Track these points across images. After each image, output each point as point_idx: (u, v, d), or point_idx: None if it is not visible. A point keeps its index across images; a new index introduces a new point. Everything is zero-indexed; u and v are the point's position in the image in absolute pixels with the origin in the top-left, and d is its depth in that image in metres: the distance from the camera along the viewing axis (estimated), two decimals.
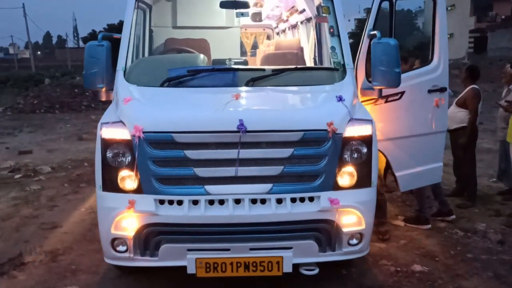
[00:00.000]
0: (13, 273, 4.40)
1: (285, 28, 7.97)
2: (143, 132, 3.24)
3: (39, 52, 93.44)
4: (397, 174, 4.74)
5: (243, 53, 9.04)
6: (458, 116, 6.10)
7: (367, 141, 3.46)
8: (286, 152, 3.32)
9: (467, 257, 4.71)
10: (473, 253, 4.78)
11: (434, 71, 4.75)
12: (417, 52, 23.89)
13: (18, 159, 9.58)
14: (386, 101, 4.54)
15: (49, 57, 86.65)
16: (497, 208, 6.12)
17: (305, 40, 6.41)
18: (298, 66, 4.37)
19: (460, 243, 5.07)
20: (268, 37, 9.24)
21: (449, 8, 45.28)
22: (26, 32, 53.91)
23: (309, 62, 5.66)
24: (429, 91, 4.72)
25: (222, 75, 4.00)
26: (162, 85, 3.83)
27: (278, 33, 8.77)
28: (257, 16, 7.61)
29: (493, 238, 5.16)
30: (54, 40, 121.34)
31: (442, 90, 4.77)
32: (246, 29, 9.07)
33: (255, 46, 9.51)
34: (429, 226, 5.46)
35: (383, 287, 4.09)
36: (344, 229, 3.43)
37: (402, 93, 4.55)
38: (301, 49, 5.95)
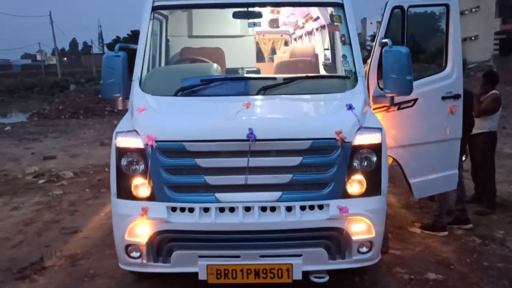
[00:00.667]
0: (34, 277, 4.54)
1: (302, 35, 8.02)
2: (156, 141, 3.33)
3: (65, 59, 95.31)
4: (410, 181, 4.72)
5: (261, 59, 9.13)
6: (477, 121, 6.03)
7: (377, 149, 3.47)
8: (295, 161, 3.36)
9: (483, 265, 4.66)
10: (490, 261, 4.73)
11: (448, 78, 4.72)
12: (440, 55, 23.55)
13: (42, 165, 9.86)
14: (399, 108, 4.53)
15: (75, 63, 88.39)
16: None
17: (320, 47, 6.45)
18: (309, 75, 4.41)
19: (476, 251, 5.01)
20: (286, 43, 9.30)
21: (473, 9, 44.54)
22: (53, 39, 55.36)
23: (323, 69, 5.70)
24: (443, 98, 4.69)
25: (234, 84, 4.07)
26: (176, 94, 3.93)
27: (295, 39, 8.82)
28: (274, 23, 7.68)
29: (511, 246, 5.10)
30: (80, 46, 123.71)
31: (456, 97, 4.73)
32: (264, 35, 9.15)
33: (273, 52, 9.59)
34: (446, 233, 5.42)
35: None
36: (354, 237, 3.45)
37: (415, 100, 4.54)
38: (316, 56, 5.99)
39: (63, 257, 4.99)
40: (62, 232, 5.77)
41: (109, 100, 4.05)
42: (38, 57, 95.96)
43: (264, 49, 9.64)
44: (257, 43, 9.15)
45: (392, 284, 4.27)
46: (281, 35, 9.26)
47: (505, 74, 23.68)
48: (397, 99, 4.30)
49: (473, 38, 43.62)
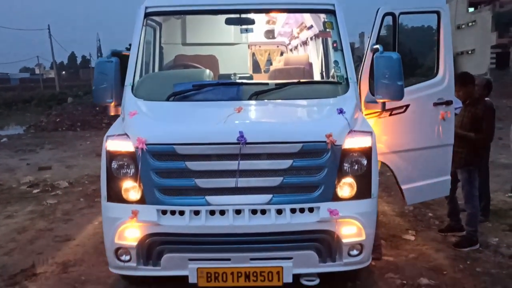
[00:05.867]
0: (25, 284, 4.51)
1: (297, 45, 8.08)
2: (146, 144, 3.34)
3: (63, 72, 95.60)
4: (403, 187, 4.73)
5: (257, 70, 9.18)
6: None
7: (367, 152, 3.49)
8: (285, 164, 3.37)
9: (477, 271, 4.63)
10: (483, 268, 4.70)
11: (440, 84, 4.76)
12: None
13: (38, 175, 9.83)
14: (391, 114, 4.56)
15: (74, 76, 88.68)
16: (511, 223, 6.01)
17: (315, 55, 6.50)
18: (301, 80, 4.44)
19: (470, 257, 4.99)
20: (282, 54, 9.36)
21: (470, 23, 44.97)
22: (51, 53, 55.50)
23: (318, 77, 5.73)
24: (435, 104, 4.72)
25: (227, 89, 4.09)
26: (168, 99, 3.95)
27: (291, 50, 8.88)
28: (270, 34, 7.76)
29: (505, 252, 5.08)
30: (79, 60, 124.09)
31: (448, 103, 4.76)
32: (260, 46, 9.21)
33: (270, 63, 9.64)
34: (478, 245, 5.26)
35: None
36: (344, 240, 3.45)
37: (407, 106, 4.57)
38: (310, 65, 6.03)
39: (55, 264, 4.95)
40: (55, 240, 5.74)
41: (107, 114, 4.07)
42: (37, 71, 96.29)
43: (261, 60, 9.70)
44: (253, 54, 9.23)
45: None
46: (277, 46, 9.32)
47: (502, 87, 23.87)
48: (389, 105, 4.33)
49: (470, 52, 43.98)
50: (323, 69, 5.64)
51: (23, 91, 49.05)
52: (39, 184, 8.92)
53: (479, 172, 5.61)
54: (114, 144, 3.48)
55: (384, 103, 4.19)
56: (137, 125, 3.53)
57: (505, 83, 30.66)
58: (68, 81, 70.98)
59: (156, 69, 5.34)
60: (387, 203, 7.07)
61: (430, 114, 4.73)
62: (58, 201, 7.63)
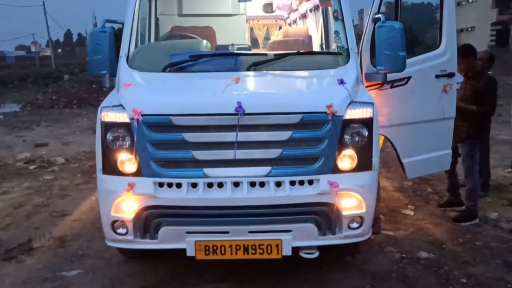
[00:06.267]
0: (21, 258, 4.48)
1: (296, 18, 7.91)
2: (142, 115, 3.25)
3: (59, 50, 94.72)
4: (403, 161, 4.66)
5: (255, 45, 9.02)
6: None
7: (368, 123, 3.40)
8: (284, 135, 3.29)
9: (476, 244, 4.62)
10: (483, 241, 4.69)
11: (442, 56, 4.66)
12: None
13: (34, 152, 9.75)
14: (392, 87, 4.46)
15: (70, 54, 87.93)
16: (511, 198, 5.99)
17: (314, 28, 6.36)
18: (301, 51, 4.33)
19: (470, 231, 4.97)
20: (280, 28, 9.19)
21: (470, 0, 44.42)
22: (47, 30, 54.83)
23: (318, 49, 5.61)
24: (437, 76, 4.63)
25: (224, 60, 3.99)
26: (164, 70, 3.85)
27: (290, 24, 8.71)
28: (268, 7, 7.57)
29: (504, 227, 5.06)
30: (75, 38, 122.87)
31: (450, 75, 4.67)
32: (258, 21, 9.03)
33: (268, 37, 9.47)
34: (478, 219, 5.24)
35: (387, 273, 4.04)
36: (344, 213, 3.40)
37: (408, 78, 4.47)
38: (309, 37, 5.89)
39: (52, 239, 4.92)
40: (52, 215, 5.70)
41: (103, 91, 3.99)
42: (32, 49, 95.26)
43: (259, 35, 9.53)
44: (251, 29, 9.05)
45: (384, 263, 4.23)
46: (276, 20, 9.14)
47: (502, 65, 23.67)
48: (390, 77, 4.23)
49: (469, 29, 43.54)
50: (323, 42, 5.52)
51: (19, 69, 48.56)
52: (36, 161, 8.84)
53: (480, 146, 5.57)
54: (109, 116, 3.38)
55: (385, 75, 4.09)
56: (132, 96, 3.44)
57: (505, 60, 30.38)
58: (64, 59, 70.36)
59: (152, 41, 5.21)
60: (386, 178, 7.03)
61: (432, 87, 4.63)
62: (54, 177, 7.57)
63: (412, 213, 5.58)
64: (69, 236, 5.00)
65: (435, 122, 4.72)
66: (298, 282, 3.91)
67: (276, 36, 7.67)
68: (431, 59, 4.67)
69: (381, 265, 4.19)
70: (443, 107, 4.69)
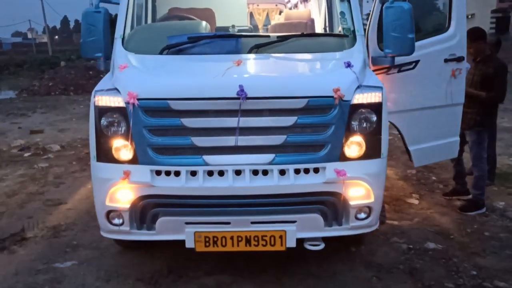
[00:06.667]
0: (14, 248, 4.33)
1: (297, 2, 7.71)
2: (138, 99, 3.07)
3: (56, 37, 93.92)
4: (410, 148, 4.49)
5: (255, 30, 8.80)
6: None
7: (377, 108, 3.23)
8: (289, 120, 3.12)
9: (484, 235, 4.48)
10: (491, 232, 4.55)
11: (451, 39, 4.45)
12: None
13: (29, 138, 9.56)
14: (399, 71, 4.28)
15: (67, 41, 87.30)
16: None
17: (316, 11, 6.16)
18: (305, 33, 4.14)
19: (477, 221, 4.83)
20: (281, 13, 8.98)
21: None
22: (43, 16, 54.15)
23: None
24: (446, 61, 4.44)
25: (225, 42, 3.80)
26: (161, 53, 3.66)
27: (290, 8, 8.49)
28: None
29: None
30: (72, 24, 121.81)
31: (459, 59, 4.48)
32: (258, 5, 8.82)
33: (268, 22, 9.26)
34: (485, 209, 5.10)
35: (394, 265, 3.89)
36: (352, 202, 3.24)
37: (417, 62, 4.28)
38: (312, 20, 5.69)
39: (46, 228, 4.76)
40: (46, 204, 5.53)
41: (100, 77, 3.79)
42: (29, 35, 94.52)
43: (258, 19, 9.30)
44: (251, 14, 8.83)
45: (391, 254, 4.08)
46: (276, 5, 8.92)
47: (502, 52, 23.44)
48: (398, 61, 4.04)
49: (469, 16, 43.20)
50: (326, 25, 5.32)
51: (16, 55, 48.09)
52: (31, 148, 8.65)
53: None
54: (103, 100, 3.19)
55: (393, 58, 3.90)
56: (128, 79, 3.25)
57: (504, 47, 30.17)
58: (61, 45, 69.86)
59: (149, 23, 5.00)
60: (389, 166, 6.83)
61: (441, 71, 4.45)
62: (49, 165, 7.39)
63: (417, 202, 5.44)
64: (64, 225, 4.84)
65: (444, 108, 4.54)
66: (301, 274, 3.77)
67: (277, 20, 7.45)
68: (439, 43, 4.47)
69: (387, 256, 4.04)
70: (451, 92, 4.51)
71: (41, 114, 13.60)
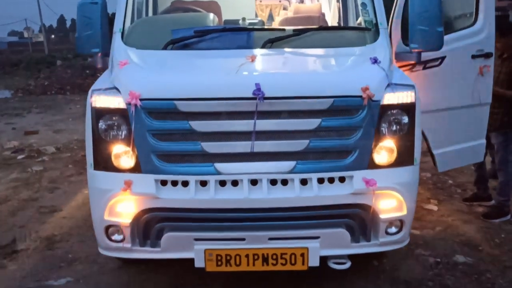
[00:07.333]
0: (3, 262, 3.99)
1: None
2: (141, 100, 2.72)
3: (53, 36, 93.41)
4: (435, 152, 4.13)
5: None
6: None
7: (410, 110, 2.90)
8: (312, 123, 2.78)
9: None
10: None
11: (478, 34, 4.13)
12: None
13: (23, 140, 9.21)
14: (425, 68, 3.93)
15: (63, 40, 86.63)
16: None
17: (327, 6, 5.82)
18: (324, 26, 3.78)
19: (503, 229, 4.51)
20: (285, 9, 8.67)
21: None
22: (39, 15, 53.70)
23: None
24: (473, 57, 4.10)
25: (235, 36, 3.45)
26: (165, 48, 3.30)
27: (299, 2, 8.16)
28: None
29: None
30: (68, 23, 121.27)
31: (487, 55, 4.14)
32: (261, 1, 8.50)
33: (271, 19, 8.96)
34: (510, 215, 4.78)
35: (422, 282, 3.55)
36: (382, 216, 2.89)
37: (443, 58, 3.94)
38: (323, 14, 5.35)
39: (39, 239, 4.41)
40: (40, 211, 5.18)
41: (97, 76, 3.44)
42: (25, 34, 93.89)
43: (261, 16, 8.99)
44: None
45: (417, 269, 3.74)
46: (280, 1, 8.61)
47: None
48: (423, 57, 3.69)
49: (468, 15, 43.04)
50: (341, 19, 4.98)
51: (11, 54, 47.64)
52: (24, 150, 8.28)
53: None
54: (102, 100, 2.84)
55: (419, 54, 3.54)
56: (129, 77, 2.89)
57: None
58: (57, 44, 69.30)
59: (150, 15, 4.65)
60: None
61: (468, 68, 4.11)
62: (44, 168, 7.03)
63: (435, 208, 5.11)
64: (58, 235, 4.49)
65: (470, 109, 4.20)
66: None
67: (285, 15, 7.11)
68: (466, 37, 4.14)
69: (414, 271, 3.70)
70: (479, 91, 4.17)
71: (37, 114, 13.27)
